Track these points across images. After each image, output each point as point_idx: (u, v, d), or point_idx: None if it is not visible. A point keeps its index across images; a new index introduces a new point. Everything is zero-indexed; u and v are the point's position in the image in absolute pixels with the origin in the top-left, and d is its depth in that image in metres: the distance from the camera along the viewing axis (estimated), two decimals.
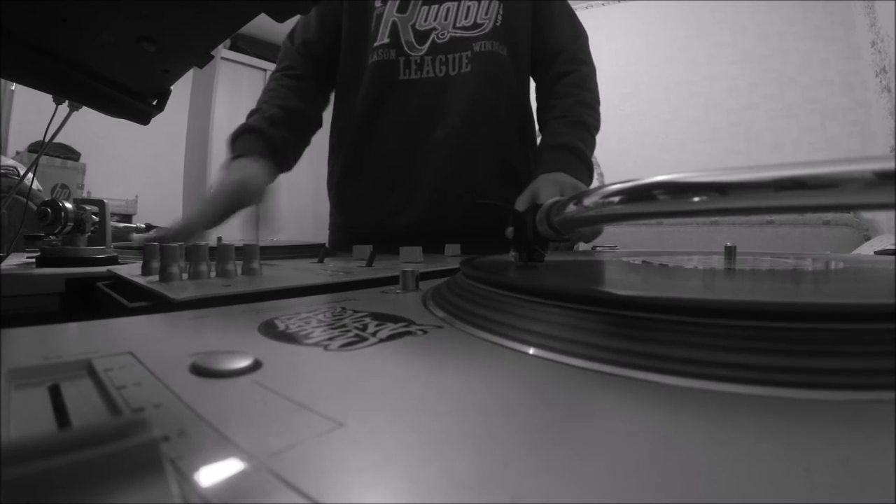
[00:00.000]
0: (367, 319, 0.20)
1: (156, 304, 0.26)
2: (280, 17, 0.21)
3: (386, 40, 0.71)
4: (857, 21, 1.99)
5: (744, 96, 2.19)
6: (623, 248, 0.56)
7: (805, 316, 0.12)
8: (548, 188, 0.57)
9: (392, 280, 0.32)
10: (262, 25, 2.88)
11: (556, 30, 0.76)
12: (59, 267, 0.43)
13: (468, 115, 0.70)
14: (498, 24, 0.71)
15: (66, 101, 0.36)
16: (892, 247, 0.98)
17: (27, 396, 0.12)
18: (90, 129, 1.89)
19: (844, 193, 0.10)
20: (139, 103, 0.31)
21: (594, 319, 0.15)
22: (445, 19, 0.71)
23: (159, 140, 3.03)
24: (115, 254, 0.51)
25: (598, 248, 0.56)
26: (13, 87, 2.20)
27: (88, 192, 2.42)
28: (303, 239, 0.84)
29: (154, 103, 0.32)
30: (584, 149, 0.68)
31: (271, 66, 3.66)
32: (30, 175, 0.59)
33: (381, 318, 0.20)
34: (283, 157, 0.71)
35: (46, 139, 0.42)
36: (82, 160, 2.53)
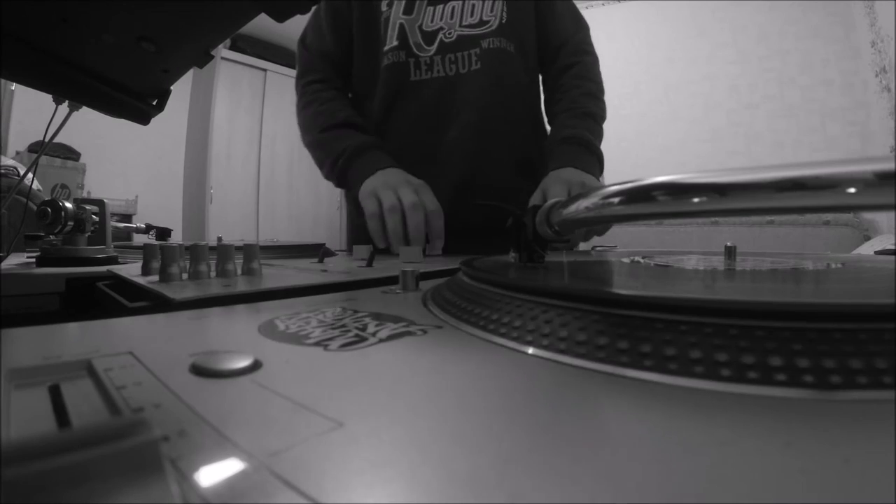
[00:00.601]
0: (367, 319, 0.20)
1: (156, 304, 0.26)
2: (280, 17, 0.21)
3: (395, 43, 0.71)
4: (857, 21, 2.00)
5: (744, 96, 2.19)
6: (623, 247, 0.56)
7: (805, 316, 0.12)
8: (556, 187, 0.58)
9: (392, 280, 0.32)
10: (262, 25, 2.88)
11: (558, 23, 0.77)
12: (59, 267, 0.43)
13: (481, 112, 0.70)
14: (504, 21, 0.72)
15: (66, 101, 0.36)
16: (892, 247, 0.98)
17: (27, 396, 0.12)
18: (90, 129, 1.89)
19: (844, 194, 0.10)
20: (139, 103, 0.31)
21: (594, 319, 0.15)
22: (451, 18, 0.71)
23: (159, 140, 3.03)
24: (115, 254, 0.51)
25: (597, 248, 0.56)
26: (13, 87, 2.20)
27: (88, 192, 2.42)
28: (303, 239, 0.83)
29: (154, 103, 0.32)
30: (593, 139, 0.69)
31: (271, 66, 3.64)
32: (30, 175, 0.59)
33: (381, 318, 0.20)
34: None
35: (46, 139, 0.42)
36: (82, 160, 2.53)
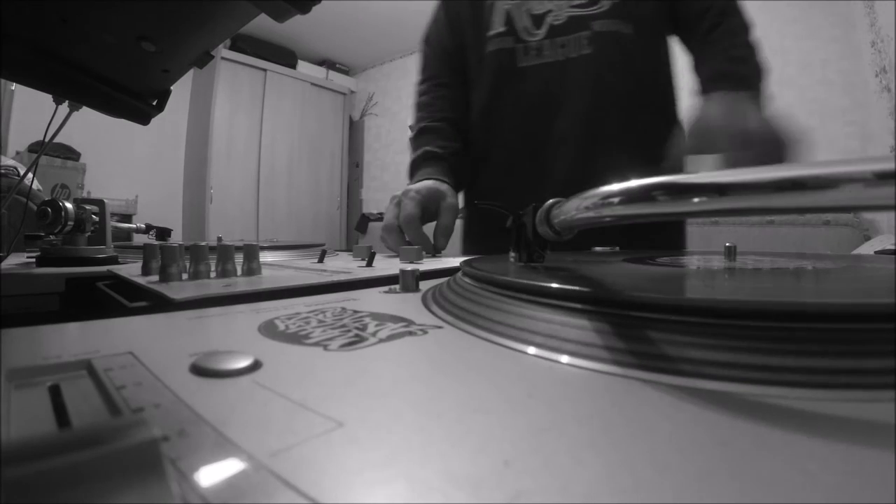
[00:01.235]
0: (367, 319, 0.20)
1: (156, 304, 0.26)
2: (280, 18, 0.21)
3: (501, 28, 0.69)
4: (857, 21, 1.99)
5: None
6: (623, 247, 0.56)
7: (805, 316, 0.13)
8: (693, 139, 0.50)
9: (392, 280, 0.32)
10: (262, 25, 2.89)
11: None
12: (59, 267, 0.43)
13: (593, 101, 0.65)
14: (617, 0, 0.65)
15: (66, 101, 0.36)
16: (892, 247, 0.98)
17: (27, 396, 0.12)
18: (90, 129, 1.89)
19: (844, 194, 0.10)
20: (139, 103, 0.31)
21: (594, 319, 0.15)
22: None
23: (159, 140, 3.03)
24: (115, 254, 0.51)
25: (597, 248, 0.56)
26: (13, 87, 2.20)
27: (88, 192, 2.42)
28: (303, 239, 0.83)
29: (154, 103, 0.32)
30: (749, 75, 0.59)
31: (271, 66, 3.65)
32: (30, 175, 0.59)
33: (381, 318, 0.20)
34: (461, 174, 0.74)
35: (46, 139, 0.42)
36: (82, 160, 2.53)
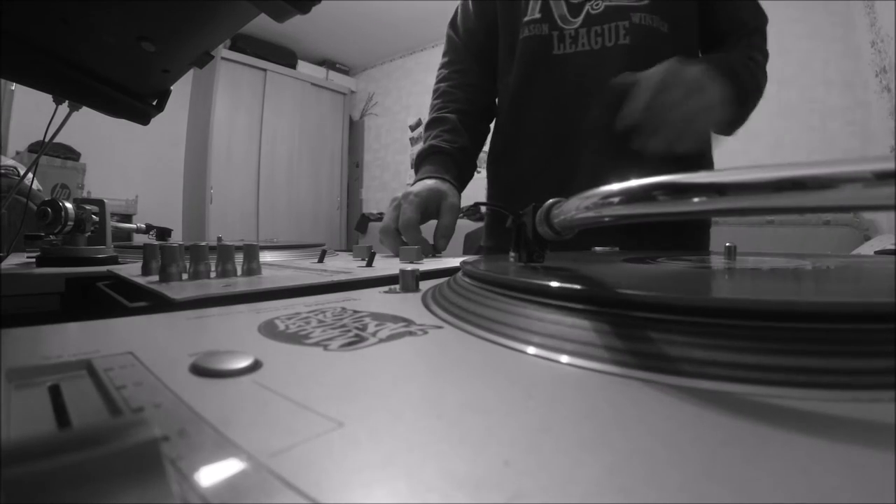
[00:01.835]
0: (367, 319, 0.20)
1: (156, 304, 0.26)
2: (280, 18, 0.21)
3: (537, 15, 0.68)
4: (857, 21, 1.99)
5: None
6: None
7: (806, 316, 0.13)
8: (654, 68, 0.50)
9: (392, 280, 0.32)
10: (262, 25, 2.89)
11: (729, 7, 0.68)
12: (59, 267, 0.43)
13: (627, 92, 0.64)
14: None
15: (66, 101, 0.36)
16: (892, 247, 0.98)
17: (27, 396, 0.12)
18: (90, 129, 1.89)
19: (843, 194, 0.10)
20: (139, 103, 0.31)
21: (594, 319, 0.15)
22: None
23: (159, 140, 3.03)
24: (115, 254, 0.51)
25: (597, 248, 0.56)
26: (13, 87, 2.20)
27: (88, 192, 2.42)
28: (303, 239, 0.83)
29: (154, 103, 0.32)
30: (736, 65, 0.58)
31: (271, 66, 3.65)
32: (30, 175, 0.59)
33: (381, 318, 0.20)
34: (466, 170, 0.74)
35: (46, 139, 0.42)
36: (82, 160, 2.54)
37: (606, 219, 0.17)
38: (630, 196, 0.15)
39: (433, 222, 0.65)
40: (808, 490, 0.07)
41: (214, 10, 0.23)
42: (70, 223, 0.46)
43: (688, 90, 0.50)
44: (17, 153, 2.20)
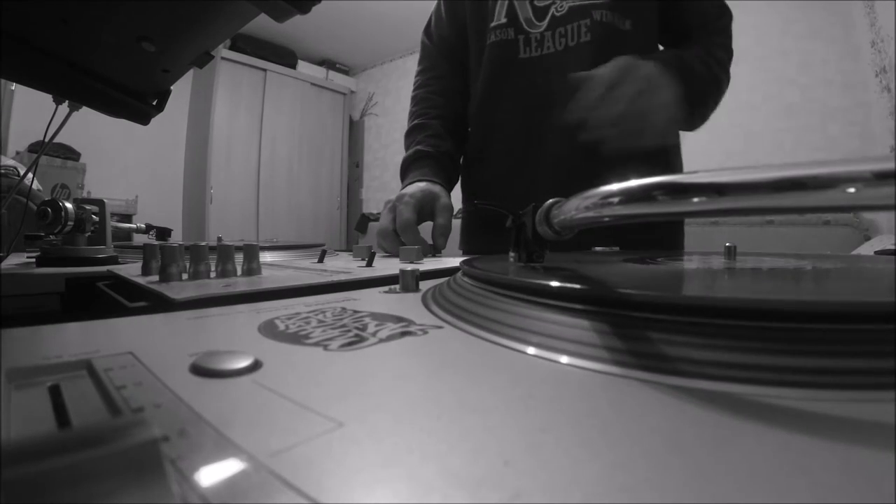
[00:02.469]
0: (367, 319, 0.20)
1: (156, 304, 0.26)
2: (280, 18, 0.21)
3: (503, 20, 0.69)
4: (857, 21, 1.99)
5: (744, 96, 2.19)
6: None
7: (805, 316, 0.13)
8: (602, 69, 0.50)
9: (392, 280, 0.32)
10: (262, 25, 2.89)
11: (693, 2, 0.68)
12: (59, 267, 0.43)
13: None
14: None
15: (66, 101, 0.36)
16: (892, 247, 0.98)
17: (27, 396, 0.12)
18: (90, 129, 1.89)
19: (843, 194, 0.10)
20: (139, 103, 0.31)
21: (594, 319, 0.15)
22: None
23: (159, 140, 3.03)
24: (114, 254, 0.51)
25: (597, 248, 0.56)
26: (13, 87, 2.20)
27: (88, 192, 2.42)
28: (303, 239, 0.83)
29: (154, 103, 0.32)
30: (691, 64, 0.58)
31: (271, 66, 3.65)
32: (30, 175, 0.59)
33: (381, 318, 0.20)
34: (452, 172, 0.75)
35: (46, 139, 0.42)
36: (82, 160, 2.53)
37: (606, 219, 0.17)
38: (630, 196, 0.15)
39: (428, 224, 0.65)
40: (808, 490, 0.07)
41: (214, 10, 0.23)
42: (70, 223, 0.46)
43: (639, 86, 0.50)
44: (17, 153, 2.20)
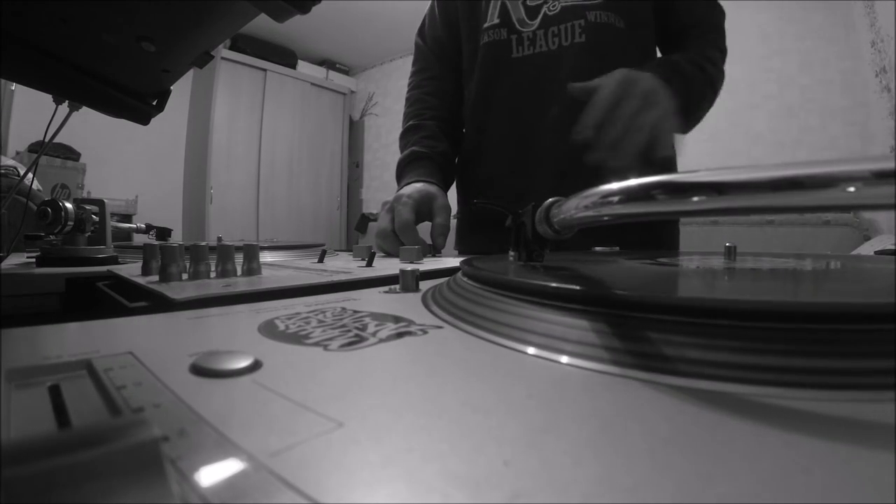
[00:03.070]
0: (367, 319, 0.20)
1: (156, 304, 0.26)
2: (280, 18, 0.21)
3: (496, 20, 0.69)
4: (857, 21, 1.99)
5: (744, 96, 2.19)
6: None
7: (805, 316, 0.13)
8: (606, 80, 0.51)
9: (392, 280, 0.32)
10: (263, 25, 2.88)
11: (687, 2, 0.69)
12: (59, 267, 0.43)
13: (583, 101, 0.64)
14: None
15: (66, 101, 0.36)
16: (892, 247, 0.98)
17: (27, 396, 0.12)
18: (90, 129, 1.89)
19: (842, 193, 0.10)
20: (139, 103, 0.31)
21: (593, 319, 0.15)
22: None
23: (159, 140, 3.03)
24: (115, 254, 0.51)
25: (597, 248, 0.56)
26: (13, 87, 2.20)
27: (88, 192, 2.42)
28: (303, 239, 0.83)
29: (154, 103, 0.32)
30: (688, 70, 0.59)
31: (271, 66, 3.65)
32: (30, 175, 0.59)
33: (381, 318, 0.20)
34: (448, 173, 0.75)
35: (46, 139, 0.42)
36: (82, 160, 2.53)
37: (606, 218, 0.17)
38: (629, 195, 0.15)
39: (426, 224, 0.65)
40: (808, 490, 0.07)
41: (214, 10, 0.23)
42: (70, 223, 0.46)
43: (639, 103, 0.50)
44: (17, 153, 2.20)
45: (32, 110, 1.96)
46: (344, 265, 0.45)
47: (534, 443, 0.09)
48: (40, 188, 0.99)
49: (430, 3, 0.82)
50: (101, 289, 0.34)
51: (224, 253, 0.34)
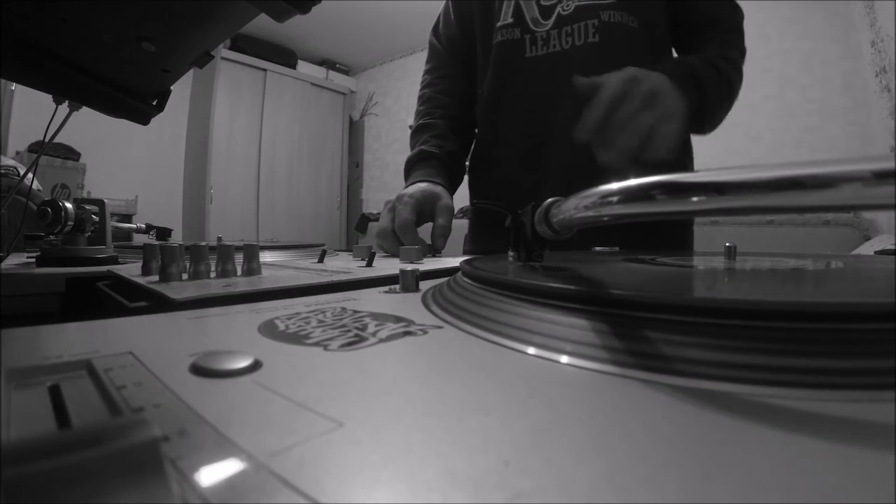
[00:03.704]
0: (367, 319, 0.20)
1: (156, 304, 0.26)
2: (280, 18, 0.21)
3: (509, 20, 0.69)
4: (857, 21, 1.99)
5: (744, 96, 2.19)
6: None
7: (805, 316, 0.13)
8: (611, 77, 0.49)
9: (392, 280, 0.32)
10: (262, 25, 2.88)
11: (703, 1, 0.68)
12: (59, 267, 0.43)
13: (589, 97, 0.64)
14: None
15: (66, 101, 0.36)
16: (892, 247, 0.98)
17: (27, 396, 0.12)
18: (90, 129, 1.89)
19: (842, 193, 0.10)
20: (139, 103, 0.31)
21: (593, 319, 0.15)
22: None
23: (159, 140, 3.03)
24: (114, 254, 0.51)
25: (597, 248, 0.56)
26: (13, 87, 2.20)
27: (88, 192, 2.42)
28: (303, 239, 0.83)
29: (154, 103, 0.32)
30: (702, 69, 0.58)
31: (271, 66, 3.66)
32: (30, 175, 0.59)
33: (381, 318, 0.20)
34: (456, 173, 0.75)
35: (46, 139, 0.42)
36: (82, 160, 2.54)
37: (605, 218, 0.17)
38: (629, 195, 0.15)
39: (428, 225, 0.65)
40: (808, 490, 0.07)
41: (214, 10, 0.23)
42: (70, 223, 0.46)
43: (644, 101, 0.49)
44: (17, 153, 2.20)
45: (32, 110, 1.96)
46: (344, 265, 0.45)
47: (534, 442, 0.09)
48: (40, 188, 0.99)
49: (444, 1, 0.82)
50: (101, 289, 0.34)
51: (224, 253, 0.34)
